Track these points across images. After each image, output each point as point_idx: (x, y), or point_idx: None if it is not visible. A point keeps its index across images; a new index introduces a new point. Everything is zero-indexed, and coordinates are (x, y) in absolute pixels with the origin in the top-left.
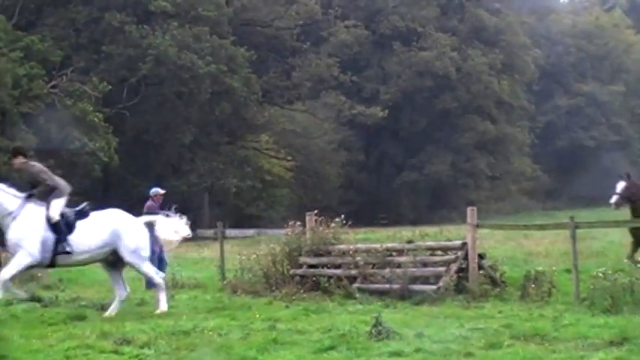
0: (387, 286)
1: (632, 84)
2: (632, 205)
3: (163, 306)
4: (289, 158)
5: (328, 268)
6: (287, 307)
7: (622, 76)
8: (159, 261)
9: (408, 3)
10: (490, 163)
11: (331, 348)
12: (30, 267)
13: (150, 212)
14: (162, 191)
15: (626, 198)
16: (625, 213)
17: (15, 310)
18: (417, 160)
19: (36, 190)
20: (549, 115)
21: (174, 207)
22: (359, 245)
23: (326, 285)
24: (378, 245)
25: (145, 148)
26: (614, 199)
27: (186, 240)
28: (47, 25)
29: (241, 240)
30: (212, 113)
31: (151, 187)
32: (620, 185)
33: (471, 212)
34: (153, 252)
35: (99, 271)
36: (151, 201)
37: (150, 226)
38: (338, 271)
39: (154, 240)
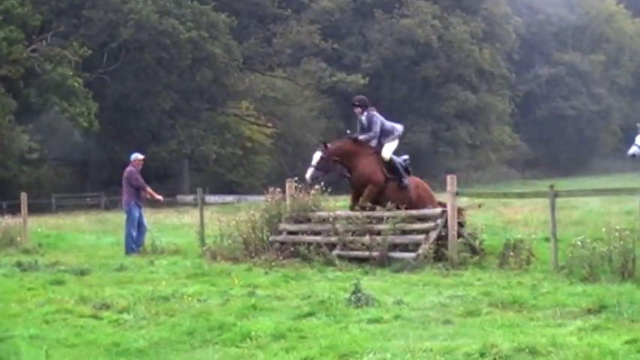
0: (367, 253)
1: (613, 54)
2: None
3: None
4: (269, 125)
5: (308, 235)
6: (266, 273)
7: (603, 45)
8: (138, 226)
9: None
10: (470, 131)
11: (310, 314)
12: None
13: (130, 177)
14: (141, 157)
15: None
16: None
17: None
18: None
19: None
20: (530, 84)
21: None
22: (339, 212)
23: (305, 252)
24: (358, 212)
25: (125, 113)
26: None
27: (166, 205)
28: None
29: (221, 206)
30: (193, 79)
31: (131, 153)
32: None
33: (450, 180)
34: (133, 216)
35: (79, 236)
36: (131, 166)
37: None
38: (317, 238)
39: (136, 206)
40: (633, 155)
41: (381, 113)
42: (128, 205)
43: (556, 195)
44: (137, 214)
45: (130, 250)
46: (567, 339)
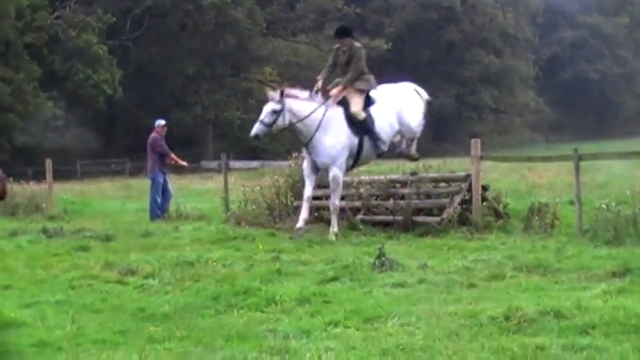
0: (391, 217)
1: (637, 16)
2: None
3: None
4: None
5: None
6: (290, 238)
7: (627, 8)
8: (163, 192)
9: None
10: (494, 96)
11: (335, 279)
12: None
13: (154, 144)
14: (163, 122)
15: None
16: None
17: (20, 240)
18: None
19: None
20: (554, 47)
21: None
22: (362, 177)
23: (329, 217)
24: (381, 177)
25: (149, 79)
26: None
27: (190, 171)
28: None
29: (245, 172)
30: (216, 45)
31: (155, 119)
32: None
33: (474, 144)
34: (158, 183)
35: (104, 202)
36: (155, 133)
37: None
38: (341, 203)
39: (160, 172)
40: None
41: (404, 77)
42: (152, 172)
43: (580, 158)
44: (161, 180)
45: (154, 215)
46: (592, 302)
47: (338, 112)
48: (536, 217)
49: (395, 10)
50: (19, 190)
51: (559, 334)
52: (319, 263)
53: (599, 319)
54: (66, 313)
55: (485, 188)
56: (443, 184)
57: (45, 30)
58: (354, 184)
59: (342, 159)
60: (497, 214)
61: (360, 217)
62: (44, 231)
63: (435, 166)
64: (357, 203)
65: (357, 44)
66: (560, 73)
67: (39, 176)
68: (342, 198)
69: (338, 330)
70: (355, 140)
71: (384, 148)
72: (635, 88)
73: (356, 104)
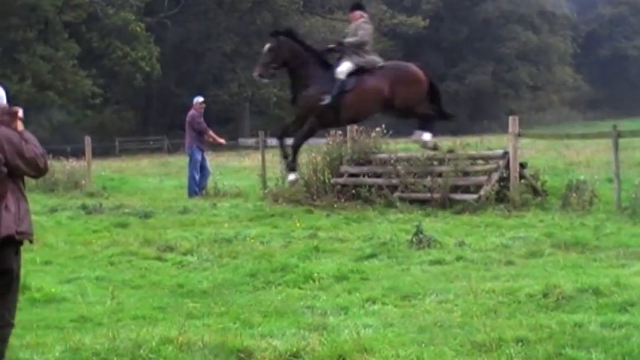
0: (428, 195)
1: None
2: None
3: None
4: None
5: (369, 177)
6: (328, 215)
7: None
8: (201, 169)
9: None
10: (531, 73)
11: (372, 256)
12: None
13: (192, 121)
14: (201, 99)
15: None
16: None
17: (60, 217)
18: (458, 69)
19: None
20: (592, 24)
21: None
22: (400, 154)
23: (367, 194)
24: (419, 154)
25: (186, 57)
26: None
27: (227, 149)
28: None
29: None
30: (253, 22)
31: (193, 97)
32: None
33: (512, 121)
34: (195, 160)
35: (142, 179)
36: (193, 110)
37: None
38: (379, 180)
39: (197, 149)
40: None
41: (441, 55)
42: (190, 149)
43: (619, 135)
44: (199, 158)
45: (192, 192)
46: (631, 279)
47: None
48: (574, 195)
49: None
50: (59, 166)
51: (597, 312)
52: (356, 240)
53: (638, 297)
54: (105, 288)
55: (522, 166)
56: (480, 162)
57: (83, 8)
58: (392, 161)
59: None
60: (535, 192)
61: (397, 194)
62: (83, 207)
63: (472, 144)
64: (395, 181)
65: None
66: (599, 50)
67: (78, 153)
68: (380, 175)
69: (375, 307)
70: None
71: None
72: None
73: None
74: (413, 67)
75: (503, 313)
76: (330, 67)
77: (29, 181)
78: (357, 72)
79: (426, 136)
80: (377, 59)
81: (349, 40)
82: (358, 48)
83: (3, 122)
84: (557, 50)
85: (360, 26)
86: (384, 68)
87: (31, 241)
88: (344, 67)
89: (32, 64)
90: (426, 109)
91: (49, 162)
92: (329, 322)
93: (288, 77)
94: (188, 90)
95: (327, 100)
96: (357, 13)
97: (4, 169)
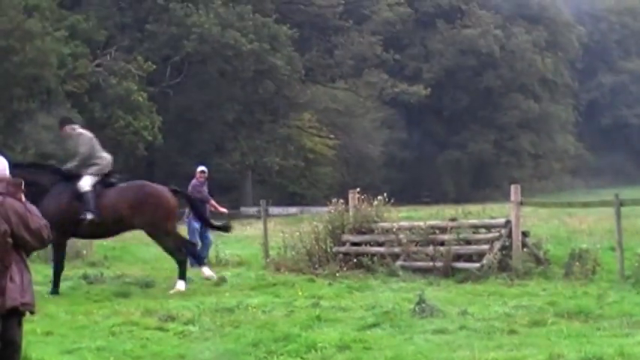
0: (431, 263)
1: None
2: None
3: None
4: (332, 136)
5: (371, 245)
6: (330, 284)
7: None
8: (203, 239)
9: None
10: (533, 141)
11: (375, 325)
12: None
13: (193, 190)
14: (202, 168)
15: None
16: None
17: (61, 287)
18: (460, 138)
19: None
20: (593, 92)
21: None
22: (402, 223)
23: (369, 263)
24: (421, 223)
25: (189, 126)
26: None
27: (229, 217)
28: (92, 4)
29: (284, 218)
30: (255, 92)
31: (195, 166)
32: None
33: (514, 189)
34: (193, 228)
35: (143, 248)
36: (195, 179)
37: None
38: (381, 249)
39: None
40: None
41: (443, 123)
42: (188, 218)
43: (621, 204)
44: (197, 226)
45: (193, 262)
46: (635, 349)
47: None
48: (577, 263)
49: (433, 56)
50: None
51: None
52: (359, 309)
53: None
54: (106, 359)
55: (525, 234)
56: (483, 230)
57: (86, 78)
58: (394, 229)
59: None
60: (538, 260)
61: (399, 263)
62: (85, 277)
63: (475, 212)
64: (397, 249)
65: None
66: (600, 118)
67: None
68: (382, 244)
69: None
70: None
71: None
72: None
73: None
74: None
75: None
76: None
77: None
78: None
79: (206, 271)
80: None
81: (73, 163)
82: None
83: (9, 193)
84: (559, 118)
85: (78, 142)
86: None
87: (32, 312)
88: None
89: (34, 134)
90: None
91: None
92: None
93: None
94: (190, 159)
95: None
96: (67, 127)
97: (10, 240)
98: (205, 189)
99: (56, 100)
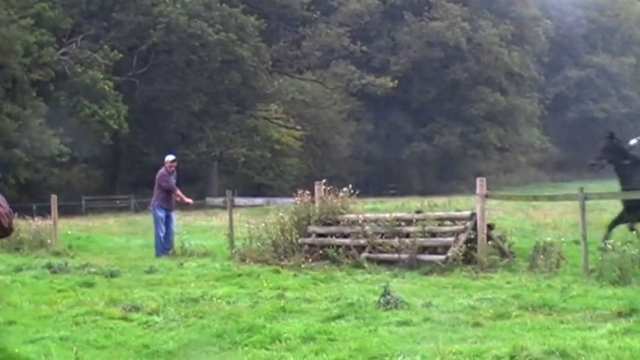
0: (396, 255)
1: None
2: None
3: None
4: (298, 128)
5: (337, 237)
6: (295, 275)
7: (633, 47)
8: (166, 227)
9: None
10: (499, 134)
11: (339, 317)
12: None
13: (160, 179)
14: (172, 158)
15: None
16: None
17: (24, 276)
18: (427, 130)
19: None
20: (559, 86)
21: None
22: (368, 215)
23: (334, 254)
24: (387, 215)
25: (155, 116)
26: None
27: (195, 208)
28: None
29: (250, 209)
30: (222, 82)
31: (162, 156)
32: None
33: (480, 182)
34: (159, 218)
35: (108, 238)
36: (163, 168)
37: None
38: (346, 241)
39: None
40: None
41: (409, 115)
42: (153, 206)
43: (586, 197)
44: (162, 215)
45: (160, 252)
46: (598, 342)
47: None
48: (542, 257)
49: (401, 48)
50: (24, 225)
51: None
52: (324, 301)
53: None
54: (70, 349)
55: (490, 227)
56: (448, 223)
57: (51, 66)
58: (360, 221)
59: None
60: (503, 253)
61: (365, 255)
62: (49, 267)
63: (440, 205)
64: (362, 241)
65: None
66: (566, 112)
67: (44, 212)
68: (347, 235)
69: None
70: None
71: None
72: None
73: None
74: None
75: None
76: None
77: None
78: None
79: None
80: None
81: None
82: None
83: None
84: (525, 112)
85: None
86: None
87: None
88: None
89: None
90: None
91: (14, 221)
92: None
93: None
94: (156, 149)
95: None
96: None
97: None
98: (173, 179)
99: (21, 88)
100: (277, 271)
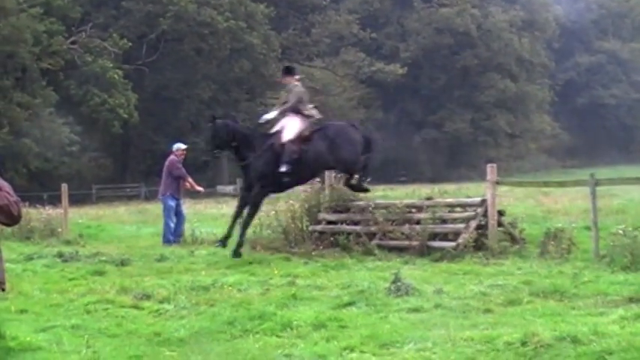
0: (406, 242)
1: None
2: None
3: None
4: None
5: (347, 224)
6: (306, 263)
7: None
8: (176, 215)
9: None
10: (510, 121)
11: (350, 304)
12: None
13: (171, 167)
14: (183, 146)
15: None
16: None
17: (35, 265)
18: (437, 117)
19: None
20: (570, 72)
21: None
22: (378, 202)
23: (345, 241)
24: (397, 202)
25: (165, 104)
26: None
27: (205, 196)
28: None
29: None
30: (231, 70)
31: (173, 143)
32: None
33: (490, 169)
34: (169, 207)
35: (119, 226)
36: (173, 156)
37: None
38: (357, 228)
39: (170, 196)
40: None
41: (419, 102)
42: (163, 196)
43: (597, 183)
44: (173, 204)
45: (167, 241)
46: (609, 328)
47: None
48: (553, 243)
49: (410, 35)
50: (35, 214)
51: None
52: (335, 288)
53: (617, 345)
54: (81, 337)
55: (501, 213)
56: (458, 209)
57: (61, 55)
58: (370, 208)
59: None
60: (513, 240)
61: (375, 242)
62: (60, 255)
63: (451, 191)
64: (373, 228)
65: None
66: (576, 98)
67: (54, 201)
68: (358, 222)
69: (354, 355)
70: None
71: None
72: None
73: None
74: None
75: None
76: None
77: (4, 229)
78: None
79: None
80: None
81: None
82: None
83: None
84: (535, 98)
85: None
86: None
87: (3, 289)
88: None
89: (9, 111)
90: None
91: (23, 210)
92: None
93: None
94: (166, 137)
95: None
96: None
97: None
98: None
99: (31, 77)
100: (288, 259)
